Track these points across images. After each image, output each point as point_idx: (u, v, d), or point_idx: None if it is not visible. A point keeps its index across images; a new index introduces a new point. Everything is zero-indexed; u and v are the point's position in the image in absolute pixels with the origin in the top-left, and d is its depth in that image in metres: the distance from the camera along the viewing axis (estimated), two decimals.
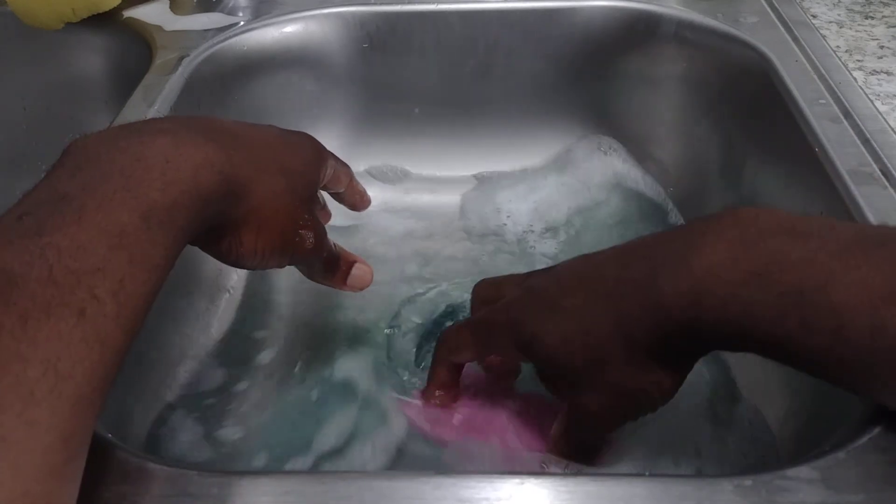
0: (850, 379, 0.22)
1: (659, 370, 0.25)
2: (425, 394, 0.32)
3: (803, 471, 0.22)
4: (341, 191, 0.34)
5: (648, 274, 0.24)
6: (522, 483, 0.22)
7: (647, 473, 0.29)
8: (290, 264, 0.29)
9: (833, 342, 0.21)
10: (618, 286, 0.25)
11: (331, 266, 0.31)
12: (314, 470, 0.33)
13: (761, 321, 0.22)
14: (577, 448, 0.29)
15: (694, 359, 0.26)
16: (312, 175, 0.30)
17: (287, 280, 0.45)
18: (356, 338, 0.40)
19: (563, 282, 0.28)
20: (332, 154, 0.32)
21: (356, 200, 0.35)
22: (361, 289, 0.32)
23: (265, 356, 0.40)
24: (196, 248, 0.27)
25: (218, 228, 0.25)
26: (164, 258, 0.21)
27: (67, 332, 0.17)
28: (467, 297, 0.33)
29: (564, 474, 0.23)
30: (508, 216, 0.50)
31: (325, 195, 0.35)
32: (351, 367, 0.38)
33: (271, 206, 0.26)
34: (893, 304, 0.20)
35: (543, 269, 0.31)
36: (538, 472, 0.29)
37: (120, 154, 0.21)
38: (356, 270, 0.31)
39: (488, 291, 0.32)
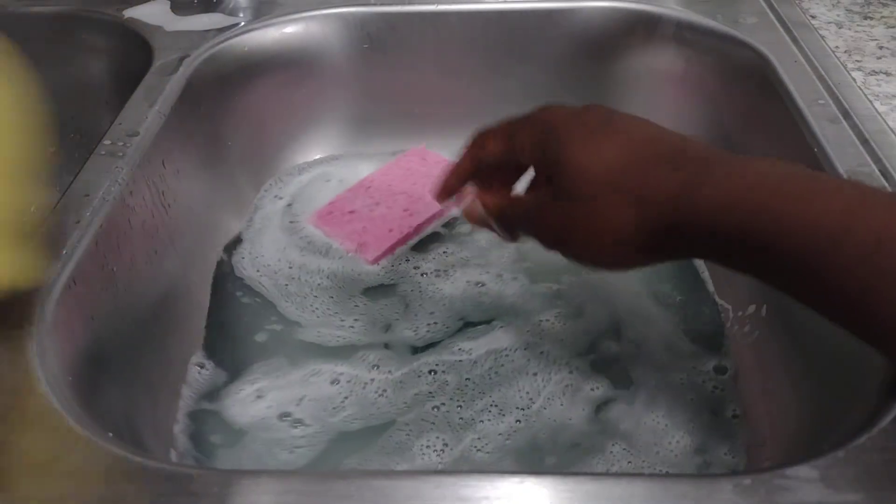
0: (844, 295, 0.22)
1: (643, 239, 0.25)
2: (444, 178, 0.33)
3: (802, 470, 0.22)
4: None
5: (705, 157, 0.25)
6: (522, 482, 0.22)
7: (646, 472, 0.29)
8: None
9: (839, 244, 0.21)
10: (673, 154, 0.25)
11: None
12: (314, 469, 0.33)
13: (784, 214, 0.22)
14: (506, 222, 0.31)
15: (668, 256, 0.26)
16: None
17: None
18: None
19: (619, 124, 0.28)
20: None
21: None
22: None
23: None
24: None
25: None
26: None
27: None
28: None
29: (564, 473, 0.23)
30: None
31: None
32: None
33: None
34: None
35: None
36: (538, 471, 0.29)
37: None
38: None
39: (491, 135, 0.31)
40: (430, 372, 0.38)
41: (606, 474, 0.25)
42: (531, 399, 0.36)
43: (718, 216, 0.23)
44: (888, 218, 0.21)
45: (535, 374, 0.38)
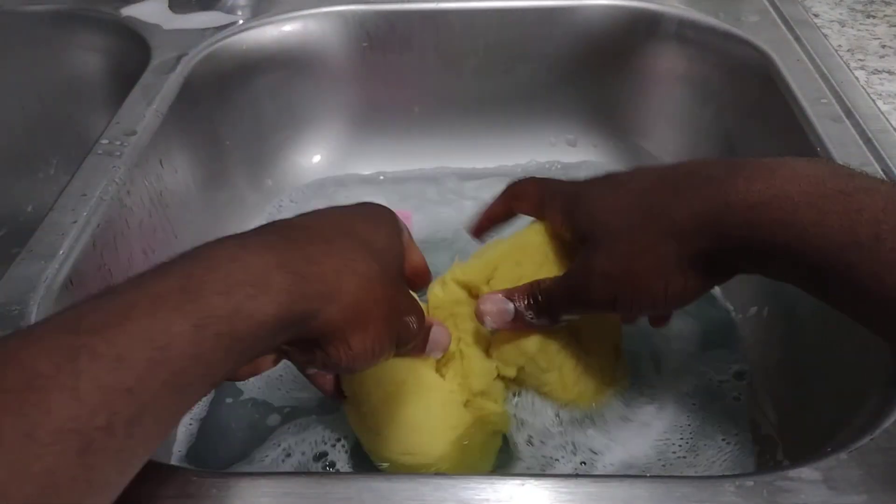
0: (878, 301, 0.21)
1: (689, 271, 0.24)
2: (480, 219, 0.33)
3: (805, 471, 0.22)
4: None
5: (726, 172, 0.24)
6: (523, 484, 0.22)
7: (647, 474, 0.29)
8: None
9: (871, 252, 0.20)
10: (690, 178, 0.25)
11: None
12: (314, 471, 0.33)
13: (830, 232, 0.21)
14: (546, 306, 0.29)
15: (727, 275, 0.25)
16: (397, 246, 0.26)
17: None
18: None
19: (639, 172, 0.27)
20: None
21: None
22: (442, 353, 0.29)
23: None
24: None
25: (313, 338, 0.21)
26: (210, 377, 0.18)
27: (62, 467, 0.15)
28: None
29: (565, 475, 0.23)
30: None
31: None
32: None
33: (370, 297, 0.22)
34: None
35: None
36: (538, 473, 0.29)
37: (183, 256, 0.19)
38: (434, 335, 0.28)
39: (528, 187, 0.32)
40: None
41: (608, 476, 0.24)
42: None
43: (747, 229, 0.23)
44: None
45: None
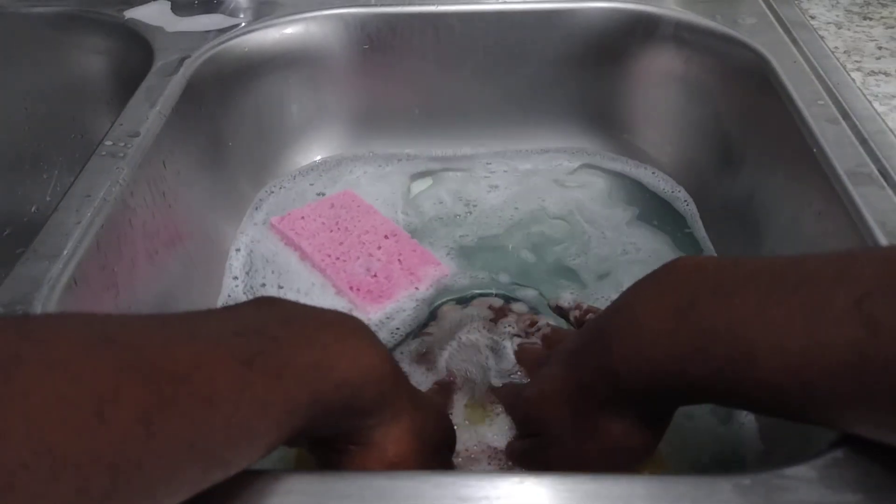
0: (804, 420, 0.23)
1: (629, 426, 0.26)
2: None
3: (801, 470, 0.22)
4: None
5: (603, 345, 0.26)
6: (522, 482, 0.23)
7: (644, 473, 0.29)
8: None
9: (773, 405, 0.22)
10: (580, 356, 0.27)
11: None
12: (314, 470, 0.33)
13: (707, 389, 0.23)
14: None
15: (662, 416, 0.27)
16: (452, 438, 0.30)
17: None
18: None
19: (549, 360, 0.30)
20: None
21: None
22: None
23: None
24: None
25: (335, 441, 0.25)
26: (276, 442, 0.21)
27: (190, 479, 0.17)
28: None
29: (563, 473, 0.23)
30: (506, 216, 0.50)
31: None
32: None
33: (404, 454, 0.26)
34: (812, 359, 0.20)
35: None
36: (537, 471, 0.29)
37: (326, 322, 0.23)
38: None
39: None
40: None
41: (606, 474, 0.25)
42: None
43: (640, 392, 0.25)
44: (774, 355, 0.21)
45: None
